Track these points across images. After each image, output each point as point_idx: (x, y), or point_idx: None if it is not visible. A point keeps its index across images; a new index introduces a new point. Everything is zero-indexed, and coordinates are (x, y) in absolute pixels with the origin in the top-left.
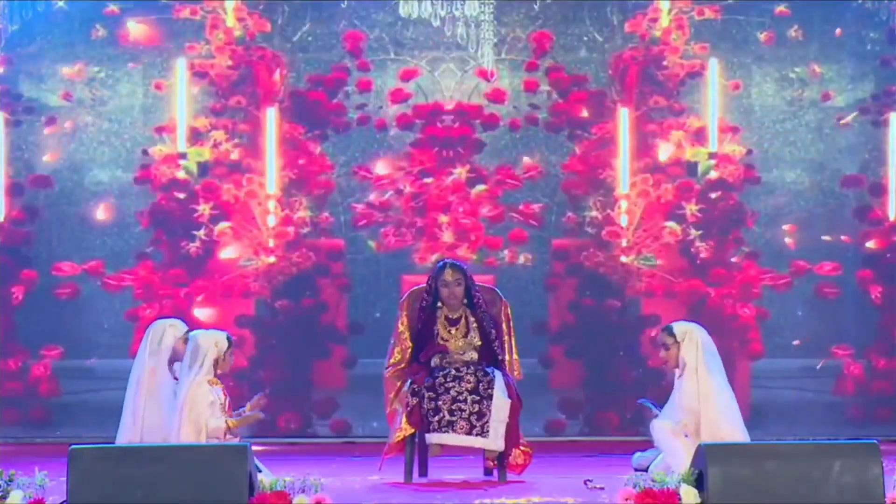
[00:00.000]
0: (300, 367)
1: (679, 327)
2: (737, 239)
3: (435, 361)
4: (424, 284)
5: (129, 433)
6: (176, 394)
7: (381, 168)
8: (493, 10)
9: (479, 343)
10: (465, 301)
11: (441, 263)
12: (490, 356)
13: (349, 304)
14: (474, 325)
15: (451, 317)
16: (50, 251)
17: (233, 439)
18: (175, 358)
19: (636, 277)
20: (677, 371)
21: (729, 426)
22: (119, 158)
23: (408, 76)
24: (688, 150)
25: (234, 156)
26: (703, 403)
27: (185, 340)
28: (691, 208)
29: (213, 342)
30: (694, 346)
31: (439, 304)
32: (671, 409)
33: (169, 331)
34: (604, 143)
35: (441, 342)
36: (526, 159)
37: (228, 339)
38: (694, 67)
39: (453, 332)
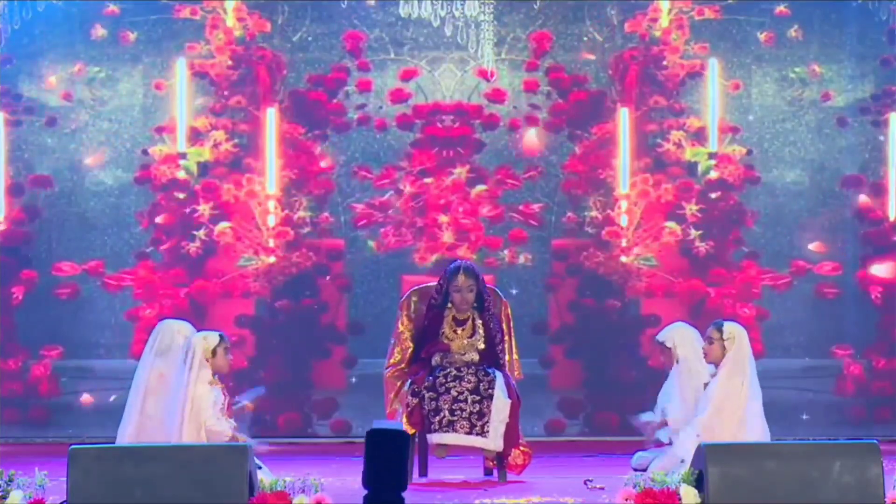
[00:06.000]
0: (300, 367)
1: (728, 326)
2: (737, 239)
3: (436, 360)
4: (430, 284)
5: (130, 433)
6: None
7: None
8: (493, 10)
9: (483, 347)
10: (475, 304)
11: (454, 266)
12: (491, 359)
13: (349, 304)
14: (480, 327)
15: (458, 318)
16: (50, 251)
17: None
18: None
19: (636, 277)
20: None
21: (763, 424)
22: (119, 158)
23: (408, 76)
24: (688, 150)
25: (234, 155)
26: (749, 401)
27: None
28: (691, 208)
29: (201, 338)
30: (742, 346)
31: (449, 304)
32: (677, 401)
33: (177, 332)
34: (604, 143)
35: (445, 341)
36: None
37: (221, 337)
38: (694, 67)
39: (459, 332)
